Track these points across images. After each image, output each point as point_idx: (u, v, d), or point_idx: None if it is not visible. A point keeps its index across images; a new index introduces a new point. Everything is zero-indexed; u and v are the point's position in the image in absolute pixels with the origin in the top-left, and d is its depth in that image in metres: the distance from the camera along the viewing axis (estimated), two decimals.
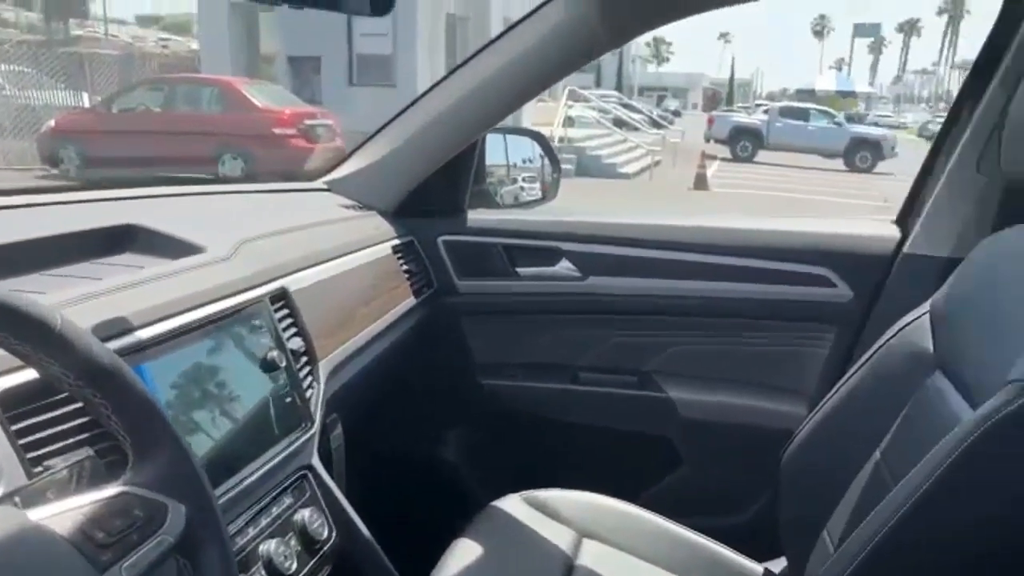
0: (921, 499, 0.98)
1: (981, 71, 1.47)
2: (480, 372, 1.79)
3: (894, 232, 1.60)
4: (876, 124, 25.65)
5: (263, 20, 17.01)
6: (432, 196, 1.72)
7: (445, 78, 1.64)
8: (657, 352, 1.73)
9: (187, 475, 0.64)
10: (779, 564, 1.44)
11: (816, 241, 1.64)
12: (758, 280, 1.64)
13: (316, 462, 1.07)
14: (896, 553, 1.00)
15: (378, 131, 1.72)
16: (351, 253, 1.44)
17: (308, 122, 11.03)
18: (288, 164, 10.02)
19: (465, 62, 1.63)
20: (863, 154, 17.83)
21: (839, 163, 17.88)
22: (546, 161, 2.00)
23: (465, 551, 1.32)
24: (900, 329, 1.31)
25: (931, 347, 1.25)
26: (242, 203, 1.54)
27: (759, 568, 1.42)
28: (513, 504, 1.45)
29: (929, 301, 1.30)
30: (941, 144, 1.56)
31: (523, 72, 1.54)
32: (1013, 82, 1.38)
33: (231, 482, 0.90)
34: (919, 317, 1.30)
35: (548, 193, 1.96)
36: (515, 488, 1.49)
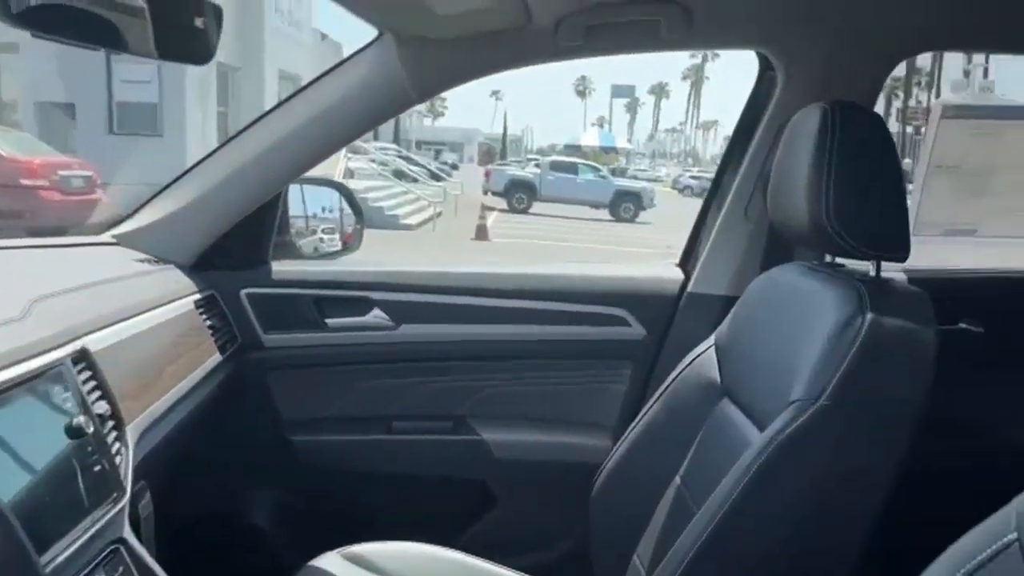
0: (724, 518, 1.08)
1: (744, 130, 1.67)
2: (290, 429, 1.73)
3: (678, 274, 1.76)
4: (635, 177, 27.80)
5: (3, 63, 15.51)
6: (233, 248, 1.67)
7: (245, 129, 1.61)
8: (470, 396, 1.76)
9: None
10: None
11: (611, 284, 1.77)
12: (561, 322, 1.74)
13: (128, 534, 0.99)
14: (706, 571, 1.09)
15: (172, 183, 1.64)
16: (152, 309, 1.36)
17: (62, 173, 10.12)
18: (39, 218, 9.13)
19: (267, 114, 1.61)
20: (627, 205, 19.23)
21: (605, 213, 19.14)
22: (345, 212, 2.00)
23: None
24: (690, 362, 1.44)
25: (718, 377, 1.38)
26: (23, 259, 1.41)
27: None
28: (331, 562, 1.41)
29: (713, 335, 1.44)
30: (713, 195, 1.75)
31: (331, 124, 1.54)
32: (770, 141, 1.58)
33: (41, 560, 0.82)
34: (706, 350, 1.43)
35: (352, 243, 1.95)
36: (332, 545, 1.45)
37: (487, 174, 21.80)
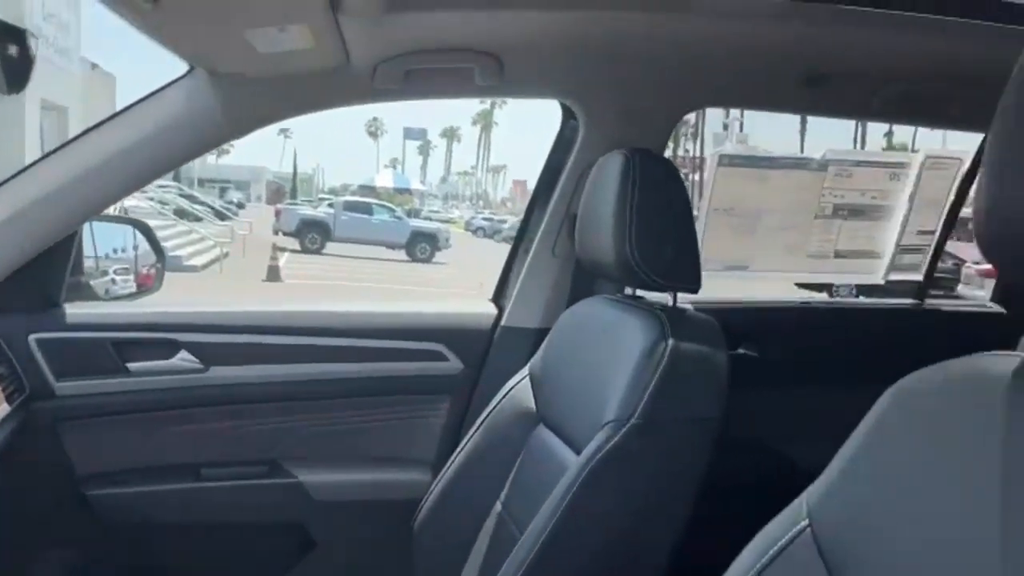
0: (547, 540, 1.15)
1: (549, 173, 1.79)
2: (86, 483, 1.61)
3: (492, 309, 1.84)
4: (429, 219, 28.14)
5: None
6: (21, 290, 1.53)
7: (34, 164, 1.50)
8: (285, 438, 1.72)
9: None
10: None
11: (427, 320, 1.81)
12: (377, 359, 1.75)
13: None
14: None
15: None
16: None
17: None
18: None
19: (61, 148, 1.51)
20: (423, 245, 19.38)
21: (402, 254, 19.18)
22: (140, 251, 1.91)
23: None
24: (506, 393, 1.51)
25: (533, 405, 1.46)
26: None
27: None
28: None
29: (528, 366, 1.52)
30: (523, 234, 1.85)
31: (136, 159, 1.47)
32: (574, 184, 1.71)
33: None
34: (521, 380, 1.51)
35: (152, 285, 1.86)
36: None
37: (277, 213, 21.15)
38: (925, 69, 1.56)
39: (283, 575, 1.72)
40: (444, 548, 1.47)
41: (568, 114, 1.73)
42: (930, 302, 2.08)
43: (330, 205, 21.74)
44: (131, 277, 1.96)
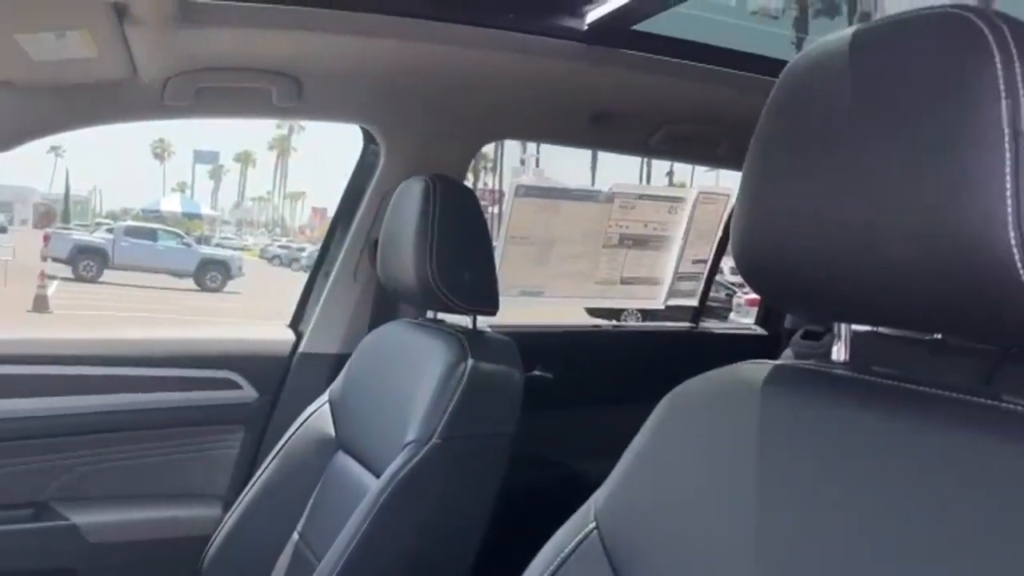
0: (346, 564, 1.13)
1: (350, 198, 1.78)
2: None
3: (290, 335, 1.79)
4: (221, 246, 26.82)
5: None
6: None
7: None
8: (56, 477, 1.58)
9: None
10: None
11: (219, 347, 1.73)
12: (163, 389, 1.65)
13: None
14: None
15: None
16: None
17: None
18: None
19: None
20: (213, 274, 18.42)
21: (191, 283, 18.13)
22: None
23: None
24: (304, 420, 1.48)
25: (333, 431, 1.44)
26: None
27: None
28: None
29: (327, 391, 1.50)
30: (323, 259, 1.83)
31: None
32: (375, 209, 1.71)
33: None
34: (320, 407, 1.49)
35: None
36: None
37: (46, 238, 19.34)
38: (696, 113, 1.73)
39: None
40: None
41: (369, 139, 1.74)
42: (704, 325, 2.28)
43: (109, 230, 20.18)
44: None
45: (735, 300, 10.26)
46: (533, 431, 1.89)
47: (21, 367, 1.55)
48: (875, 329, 1.19)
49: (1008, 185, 0.47)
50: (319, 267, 1.82)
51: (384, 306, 1.75)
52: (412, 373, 1.28)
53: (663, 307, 2.16)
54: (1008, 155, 0.48)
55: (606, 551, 0.72)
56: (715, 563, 0.63)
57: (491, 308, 1.34)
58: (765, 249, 0.62)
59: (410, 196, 1.32)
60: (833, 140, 0.57)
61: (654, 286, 2.13)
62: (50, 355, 1.58)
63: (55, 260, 17.74)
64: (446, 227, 1.28)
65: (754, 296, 2.48)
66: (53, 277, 15.18)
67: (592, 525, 0.74)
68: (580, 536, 0.74)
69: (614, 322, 2.18)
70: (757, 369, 0.70)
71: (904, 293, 0.54)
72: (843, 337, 0.68)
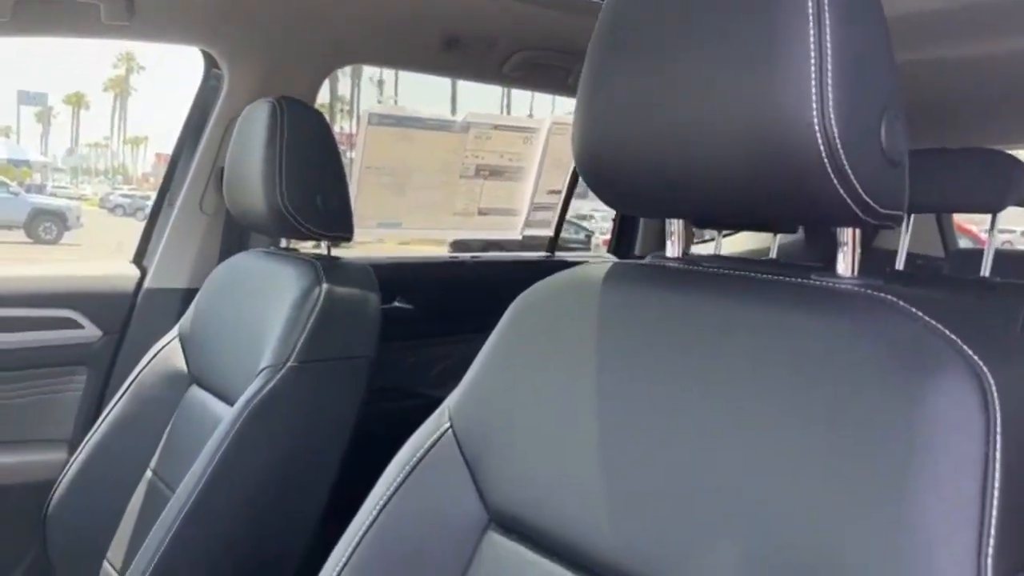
0: (200, 494, 1.12)
1: (192, 127, 1.70)
2: None
3: (134, 271, 1.71)
4: (55, 195, 24.91)
5: None
6: None
7: None
8: None
9: None
10: None
11: (57, 284, 1.63)
12: (0, 330, 1.55)
13: None
14: (184, 550, 1.11)
15: None
16: None
17: None
18: None
19: None
20: (47, 225, 17.10)
21: (22, 235, 16.81)
22: None
23: None
24: (153, 356, 1.43)
25: (185, 366, 1.40)
26: None
27: None
28: None
29: (177, 326, 1.45)
30: (166, 190, 1.74)
31: None
32: (220, 136, 1.64)
33: None
34: (170, 342, 1.44)
35: None
36: None
37: None
38: (548, 40, 1.74)
39: None
40: (85, 524, 1.36)
41: (211, 63, 1.65)
42: (559, 255, 2.34)
43: None
44: None
45: (593, 240, 10.59)
46: (394, 363, 1.91)
47: None
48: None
49: (813, 63, 0.52)
50: (161, 199, 1.74)
51: (234, 237, 1.70)
52: (265, 301, 1.26)
53: (520, 237, 2.20)
54: (812, 36, 0.52)
55: (460, 449, 0.74)
56: (560, 453, 0.66)
57: (346, 234, 1.33)
58: (600, 149, 0.65)
59: (256, 121, 1.28)
60: (663, 41, 0.60)
61: (511, 217, 2.17)
62: None
63: None
64: (295, 150, 1.25)
65: (608, 237, 2.57)
66: None
67: (446, 425, 0.76)
68: (435, 436, 0.76)
69: (471, 254, 2.20)
70: (598, 268, 0.74)
71: (731, 186, 0.58)
72: (677, 232, 0.73)
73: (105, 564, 1.34)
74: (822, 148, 0.52)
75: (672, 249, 0.73)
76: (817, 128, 0.52)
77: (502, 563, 0.70)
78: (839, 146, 0.52)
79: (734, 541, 0.54)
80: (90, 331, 1.63)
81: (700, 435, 0.58)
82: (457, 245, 2.85)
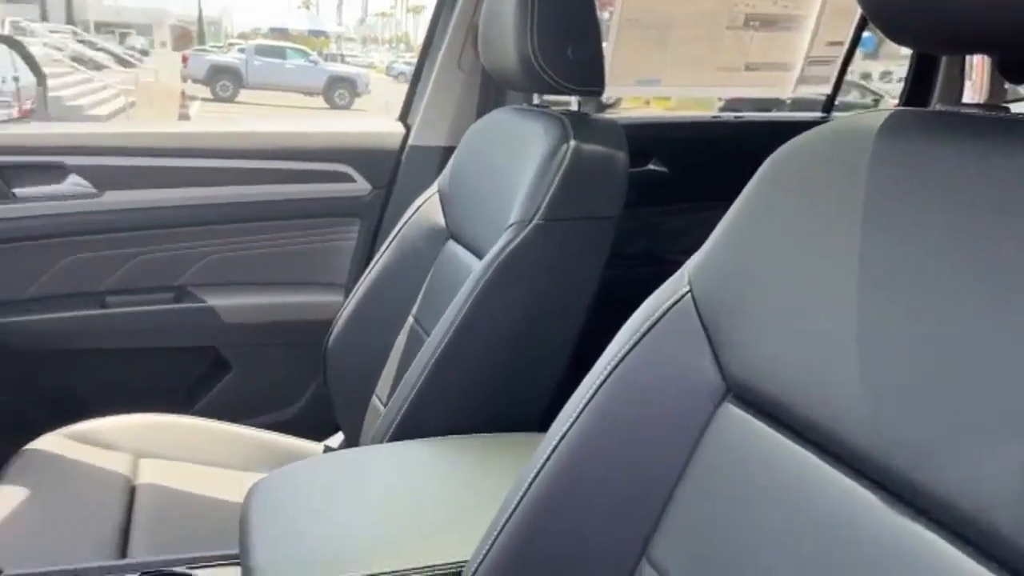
0: (451, 339, 1.17)
1: None
2: None
3: (399, 128, 1.79)
4: (347, 63, 26.89)
5: None
6: None
7: None
8: (191, 264, 1.69)
9: None
10: (337, 439, 1.57)
11: (333, 140, 1.76)
12: (283, 181, 1.71)
13: None
14: (436, 388, 1.18)
15: None
16: None
17: None
18: None
19: None
20: (341, 91, 18.61)
21: (320, 101, 18.45)
22: (21, 84, 1.78)
23: (2, 498, 1.18)
24: (415, 211, 1.50)
25: (443, 221, 1.46)
26: None
27: (319, 446, 1.53)
28: (52, 442, 1.33)
29: (436, 183, 1.50)
30: (428, 48, 1.78)
31: None
32: None
33: None
34: (429, 198, 1.49)
35: (37, 108, 1.75)
36: (53, 428, 1.37)
37: (185, 59, 19.94)
38: None
39: (199, 397, 1.73)
40: (357, 361, 1.49)
41: None
42: (837, 115, 2.11)
43: (241, 50, 20.56)
44: (14, 110, 1.84)
45: (882, 105, 9.55)
46: (645, 228, 1.86)
47: (157, 159, 1.63)
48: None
49: None
50: (424, 57, 1.78)
51: (490, 95, 1.71)
52: (515, 157, 1.26)
53: (792, 94, 2.00)
54: None
55: (699, 315, 0.69)
56: (812, 326, 0.59)
57: (596, 87, 1.27)
58: None
59: None
60: None
61: (783, 72, 1.97)
62: (181, 148, 1.65)
63: (194, 81, 18.38)
64: (547, 3, 1.20)
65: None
66: (194, 98, 15.81)
67: (685, 289, 0.71)
68: (672, 300, 0.71)
69: (735, 114, 2.05)
70: (873, 116, 0.63)
71: None
72: (979, 73, 0.59)
73: (374, 398, 1.48)
74: None
75: (972, 95, 0.60)
76: None
77: (738, 436, 0.65)
78: None
79: (1015, 447, 0.45)
80: (361, 185, 1.74)
81: (985, 322, 0.48)
82: (727, 108, 2.68)
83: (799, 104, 2.20)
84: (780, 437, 0.61)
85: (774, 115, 2.23)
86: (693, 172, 1.89)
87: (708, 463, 0.67)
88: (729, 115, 2.03)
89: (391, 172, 1.75)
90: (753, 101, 2.93)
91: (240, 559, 0.91)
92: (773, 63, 1.95)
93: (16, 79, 1.90)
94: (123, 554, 1.13)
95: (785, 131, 0.73)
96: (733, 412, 0.66)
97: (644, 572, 0.70)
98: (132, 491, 1.25)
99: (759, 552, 0.60)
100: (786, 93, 2.00)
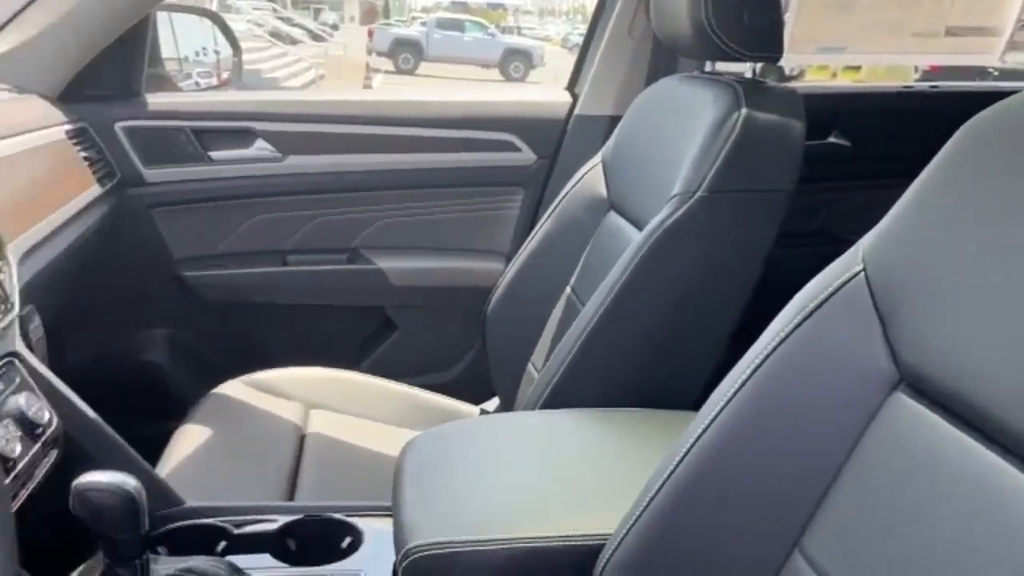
0: (607, 309, 1.15)
1: None
2: (180, 265, 1.71)
3: (566, 97, 1.78)
4: (524, 35, 27.06)
5: None
6: (103, 78, 1.57)
7: None
8: (363, 227, 1.77)
9: None
10: (493, 404, 1.60)
11: (500, 109, 1.77)
12: (451, 150, 1.74)
13: (22, 347, 0.98)
14: (589, 359, 1.17)
15: (26, 6, 1.51)
16: (19, 135, 1.28)
17: None
18: None
19: None
20: (516, 64, 18.81)
21: (495, 73, 18.73)
22: (221, 56, 1.91)
23: (190, 436, 1.29)
24: (578, 181, 1.48)
25: (605, 192, 1.43)
26: None
27: (476, 409, 1.56)
28: (234, 388, 1.43)
29: (600, 153, 1.48)
30: (599, 15, 1.75)
31: None
32: None
33: None
34: (593, 168, 1.47)
35: (232, 78, 1.88)
36: (235, 376, 1.47)
37: (370, 33, 20.82)
38: None
39: (367, 354, 1.82)
40: (515, 327, 1.51)
41: None
42: None
43: (423, 24, 21.21)
44: (213, 80, 1.98)
45: None
46: (821, 205, 1.75)
47: (335, 126, 1.71)
48: None
49: None
50: (595, 25, 1.75)
51: (660, 63, 1.66)
52: (682, 126, 1.21)
53: (1000, 63, 1.81)
54: None
55: (872, 296, 0.64)
56: (1000, 315, 0.53)
57: (773, 53, 1.20)
58: None
59: None
60: None
61: (989, 37, 1.79)
62: (357, 115, 1.72)
63: (378, 54, 19.16)
64: None
65: None
66: (376, 70, 16.48)
67: (859, 268, 0.66)
68: (843, 279, 0.66)
69: (930, 83, 1.88)
70: None
71: None
72: None
73: (529, 365, 1.49)
74: None
75: None
76: None
77: (910, 429, 0.60)
78: None
79: None
80: (526, 154, 1.75)
81: None
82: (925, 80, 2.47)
83: (1008, 75, 1.99)
84: (957, 432, 0.56)
85: (975, 84, 2.03)
86: (879, 147, 1.76)
87: (874, 455, 0.63)
88: (923, 84, 1.87)
89: (556, 142, 1.75)
90: (955, 71, 2.69)
91: (392, 512, 0.94)
92: (978, 27, 1.76)
93: (217, 52, 2.05)
94: (290, 496, 1.20)
95: (987, 102, 0.66)
96: (905, 402, 0.61)
97: (798, 565, 0.66)
98: (302, 439, 1.34)
99: (935, 553, 0.55)
100: (993, 61, 1.81)
